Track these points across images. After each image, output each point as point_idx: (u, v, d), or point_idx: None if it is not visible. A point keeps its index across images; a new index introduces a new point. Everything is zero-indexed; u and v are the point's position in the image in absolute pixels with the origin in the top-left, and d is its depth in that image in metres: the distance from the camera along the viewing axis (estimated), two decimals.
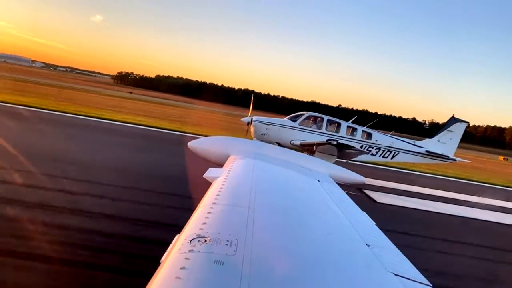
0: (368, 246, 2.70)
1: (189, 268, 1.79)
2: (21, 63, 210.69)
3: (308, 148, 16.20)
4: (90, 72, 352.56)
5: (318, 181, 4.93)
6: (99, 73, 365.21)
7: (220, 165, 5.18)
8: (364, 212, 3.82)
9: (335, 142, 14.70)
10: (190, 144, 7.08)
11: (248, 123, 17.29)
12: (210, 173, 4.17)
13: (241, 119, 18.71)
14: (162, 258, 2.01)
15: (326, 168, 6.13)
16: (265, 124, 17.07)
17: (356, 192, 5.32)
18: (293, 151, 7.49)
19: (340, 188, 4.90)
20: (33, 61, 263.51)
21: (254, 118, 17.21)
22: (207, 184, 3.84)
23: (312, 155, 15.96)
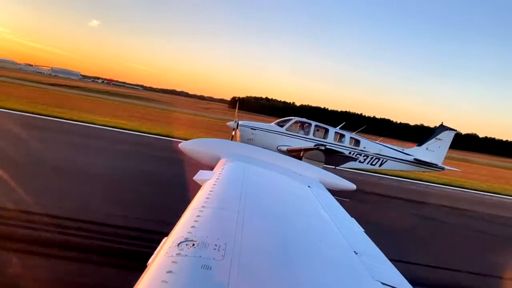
0: (356, 253, 2.70)
1: (176, 272, 1.77)
2: (71, 77, 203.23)
3: (295, 154, 16.13)
4: (122, 83, 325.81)
5: (309, 186, 4.93)
6: (124, 82, 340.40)
7: (210, 167, 5.14)
8: (354, 219, 3.83)
9: (323, 148, 14.60)
10: (181, 145, 7.02)
11: (234, 128, 17.05)
12: (200, 176, 4.14)
13: (227, 124, 18.46)
14: (149, 261, 1.99)
15: (316, 174, 6.13)
16: (252, 129, 16.88)
17: (346, 198, 5.32)
18: (284, 156, 7.49)
19: (330, 194, 4.91)
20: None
21: (240, 122, 17.00)
22: (197, 186, 3.81)
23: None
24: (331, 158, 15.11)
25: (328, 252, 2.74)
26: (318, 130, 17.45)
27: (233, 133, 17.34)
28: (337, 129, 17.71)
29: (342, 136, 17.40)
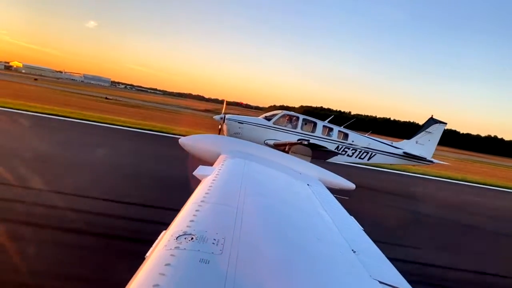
0: (354, 252, 2.70)
1: (174, 265, 1.77)
2: (102, 84, 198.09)
3: (282, 149, 15.93)
4: (138, 86, 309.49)
5: (308, 184, 4.93)
6: (140, 86, 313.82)
7: (210, 163, 5.14)
8: (352, 217, 3.83)
9: (306, 142, 14.33)
10: (181, 140, 7.01)
11: (220, 122, 16.73)
12: (200, 171, 4.14)
13: (214, 117, 18.04)
14: (147, 254, 1.99)
15: (316, 172, 6.13)
16: (239, 122, 16.59)
17: (345, 196, 5.32)
18: (284, 153, 7.47)
19: (329, 193, 4.90)
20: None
21: (227, 116, 16.72)
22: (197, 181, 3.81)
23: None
24: (318, 153, 14.85)
25: (326, 250, 2.74)
26: (306, 124, 17.24)
27: (220, 127, 17.18)
28: (325, 122, 17.52)
29: (330, 129, 17.21)
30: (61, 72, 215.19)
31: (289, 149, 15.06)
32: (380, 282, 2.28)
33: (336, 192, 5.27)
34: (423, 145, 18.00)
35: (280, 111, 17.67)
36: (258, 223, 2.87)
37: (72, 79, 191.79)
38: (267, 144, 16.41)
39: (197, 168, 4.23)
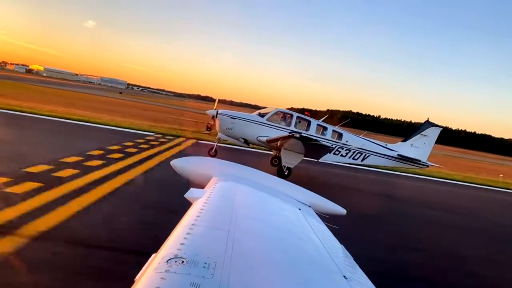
0: (346, 278, 2.69)
1: None
2: (118, 86, 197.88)
3: (274, 145, 15.62)
4: (145, 87, 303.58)
5: (299, 209, 4.92)
6: (148, 87, 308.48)
7: (201, 186, 5.11)
8: (342, 245, 3.82)
9: (298, 135, 14.19)
10: (172, 162, 6.98)
11: (213, 117, 16.63)
12: (191, 193, 4.12)
13: (206, 112, 17.86)
14: (137, 277, 1.96)
15: (307, 197, 6.12)
16: (231, 118, 16.40)
17: (335, 225, 5.30)
18: (276, 177, 7.46)
19: (319, 219, 4.90)
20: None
21: (220, 111, 16.59)
22: (187, 204, 3.78)
23: (279, 152, 15.65)
24: (310, 149, 14.75)
25: (318, 276, 2.72)
26: (299, 122, 17.21)
27: (212, 122, 16.80)
28: (320, 121, 17.52)
29: (324, 128, 17.17)
30: (77, 74, 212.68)
31: (281, 144, 14.82)
32: None
33: (326, 218, 5.26)
34: (418, 148, 17.97)
35: (274, 107, 17.65)
36: (250, 247, 2.84)
37: (90, 82, 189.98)
38: (259, 141, 16.20)
39: (188, 191, 4.21)
